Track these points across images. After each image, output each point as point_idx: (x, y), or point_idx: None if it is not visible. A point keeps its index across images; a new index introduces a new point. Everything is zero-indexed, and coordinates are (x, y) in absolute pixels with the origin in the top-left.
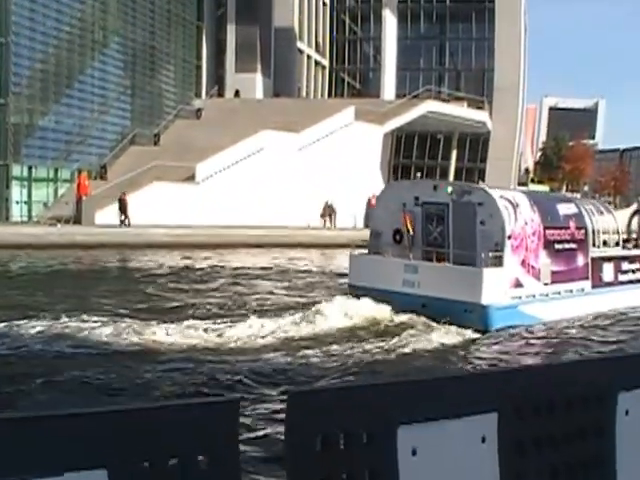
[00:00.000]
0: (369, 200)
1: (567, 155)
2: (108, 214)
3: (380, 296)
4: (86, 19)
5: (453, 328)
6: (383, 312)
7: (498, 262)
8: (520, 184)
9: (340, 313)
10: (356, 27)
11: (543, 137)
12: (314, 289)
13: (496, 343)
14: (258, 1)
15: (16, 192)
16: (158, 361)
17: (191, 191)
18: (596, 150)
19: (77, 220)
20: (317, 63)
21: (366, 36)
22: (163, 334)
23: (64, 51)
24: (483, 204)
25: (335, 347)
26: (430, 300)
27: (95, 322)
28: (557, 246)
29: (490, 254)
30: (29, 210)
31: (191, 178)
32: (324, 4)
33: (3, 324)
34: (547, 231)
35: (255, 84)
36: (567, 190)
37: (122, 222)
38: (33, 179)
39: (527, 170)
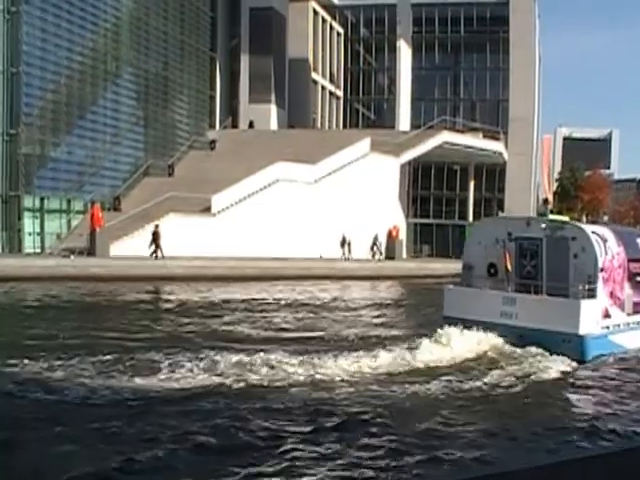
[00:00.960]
0: (390, 231)
1: (584, 185)
2: (123, 246)
3: (478, 327)
4: (98, 49)
5: (561, 357)
6: (494, 341)
7: (591, 294)
8: (539, 214)
9: (459, 343)
10: (370, 58)
11: (558, 167)
12: (406, 320)
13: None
14: (272, 32)
15: (28, 223)
16: (331, 391)
17: (207, 223)
18: (612, 180)
19: (91, 252)
20: (331, 94)
21: (380, 67)
22: (294, 367)
23: (76, 81)
24: (576, 238)
25: (472, 374)
26: (527, 331)
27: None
28: (638, 278)
29: (584, 286)
30: (42, 242)
31: (207, 210)
32: (338, 34)
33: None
34: (630, 264)
35: (269, 115)
36: (587, 221)
37: (154, 254)
38: (45, 210)
39: (545, 200)
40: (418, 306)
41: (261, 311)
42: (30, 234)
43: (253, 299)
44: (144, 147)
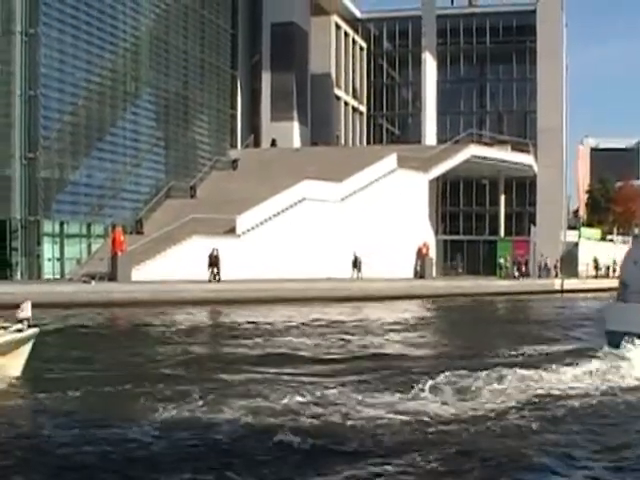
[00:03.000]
0: (419, 249)
1: (615, 197)
2: (145, 270)
3: None
4: (117, 70)
5: None
6: None
7: None
8: (570, 228)
9: None
10: (394, 71)
11: (586, 179)
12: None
13: None
14: (293, 48)
15: (48, 249)
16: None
17: (232, 244)
18: None
19: (112, 277)
20: (355, 109)
21: (404, 80)
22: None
23: (95, 103)
24: None
25: None
26: None
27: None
28: None
29: None
30: (62, 267)
31: (231, 231)
32: (361, 49)
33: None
34: None
35: (292, 133)
36: (618, 233)
37: (214, 278)
38: (65, 235)
39: (576, 213)
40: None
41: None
42: (50, 260)
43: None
44: (165, 168)
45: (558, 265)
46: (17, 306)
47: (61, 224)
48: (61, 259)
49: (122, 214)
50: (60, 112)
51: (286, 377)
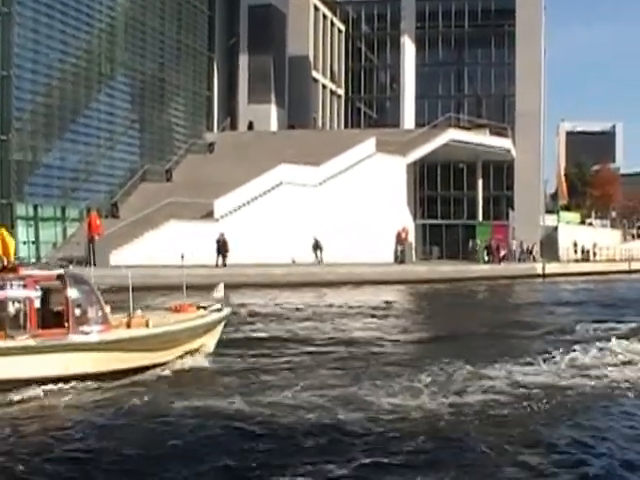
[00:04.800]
0: (399, 234)
1: (593, 180)
2: (123, 255)
3: None
4: (92, 51)
5: None
6: None
7: None
8: (548, 212)
9: None
10: (372, 55)
11: (562, 162)
12: None
13: None
14: (271, 30)
15: (22, 232)
16: None
17: (210, 228)
18: (619, 174)
19: (89, 261)
20: (332, 92)
21: (382, 64)
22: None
23: (69, 84)
24: None
25: None
26: None
27: None
28: None
29: None
30: (37, 251)
31: (209, 215)
32: (339, 31)
33: None
34: None
35: (269, 115)
36: (596, 217)
37: (223, 263)
38: (39, 218)
39: (553, 197)
40: None
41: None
42: (25, 243)
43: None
44: (140, 151)
45: (536, 249)
46: (211, 288)
47: (35, 207)
48: (36, 242)
49: (97, 197)
50: (33, 93)
51: None
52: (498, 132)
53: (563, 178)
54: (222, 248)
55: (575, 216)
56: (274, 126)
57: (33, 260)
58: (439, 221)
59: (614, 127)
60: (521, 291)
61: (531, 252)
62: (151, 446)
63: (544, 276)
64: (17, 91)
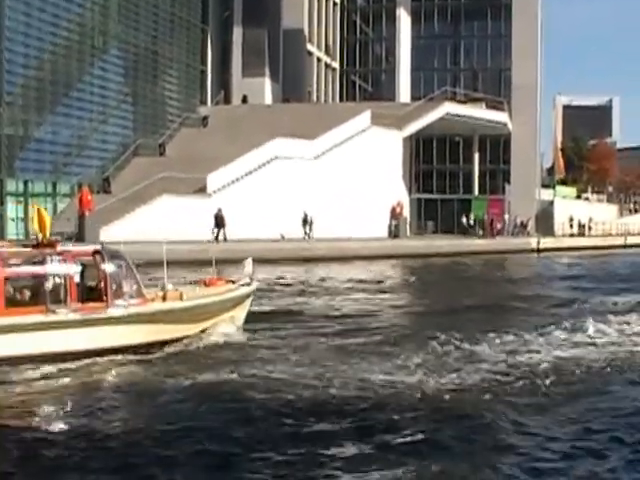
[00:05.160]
0: (393, 208)
1: (589, 155)
2: (114, 230)
3: None
4: (85, 23)
5: None
6: None
7: None
8: (544, 186)
9: None
10: (367, 28)
11: (559, 136)
12: None
13: None
14: (266, 3)
15: (11, 209)
16: None
17: (203, 204)
18: (616, 148)
19: (80, 237)
20: (327, 66)
21: (378, 37)
22: None
23: (61, 57)
24: None
25: None
26: None
27: None
28: None
29: None
30: (26, 228)
31: (202, 190)
32: (334, 4)
33: None
34: None
35: (263, 89)
36: (593, 191)
37: (221, 238)
38: (30, 194)
39: (550, 171)
40: None
41: None
42: (13, 220)
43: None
44: (133, 125)
45: (530, 223)
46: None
47: (25, 183)
48: (25, 219)
49: (89, 172)
50: (25, 67)
51: None
52: (494, 106)
53: (559, 152)
54: (220, 223)
55: (571, 190)
56: (268, 100)
57: (22, 237)
58: (434, 195)
59: (611, 101)
60: (514, 266)
61: (525, 226)
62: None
63: (539, 251)
64: (8, 64)
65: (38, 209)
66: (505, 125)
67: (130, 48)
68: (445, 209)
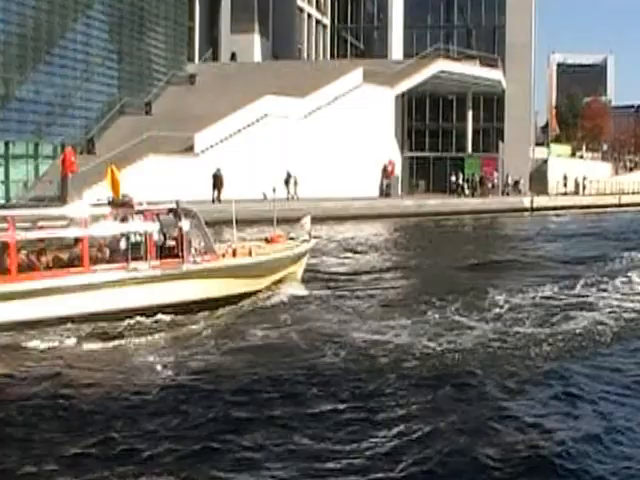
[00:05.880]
0: (385, 167)
1: (584, 113)
2: (98, 193)
3: None
4: None
5: None
6: None
7: None
8: (538, 144)
9: None
10: None
11: (553, 94)
12: None
13: None
14: None
15: None
16: None
17: (190, 163)
18: (610, 107)
19: (63, 200)
20: (318, 22)
21: None
22: None
23: (43, 13)
24: None
25: None
26: None
27: None
28: None
29: None
30: (6, 191)
31: (189, 149)
32: None
33: None
34: None
35: (253, 46)
36: (587, 149)
37: (218, 198)
38: (11, 156)
39: (544, 129)
40: None
41: None
42: None
43: None
44: (118, 83)
45: (522, 182)
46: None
47: (6, 144)
48: (6, 182)
49: (72, 133)
50: (5, 22)
51: None
52: (488, 63)
53: (554, 110)
54: (218, 183)
55: (566, 149)
56: (258, 57)
57: (2, 201)
58: (427, 154)
59: (606, 59)
60: (506, 225)
61: (517, 185)
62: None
63: (532, 210)
64: None
65: (111, 169)
66: (499, 83)
67: (115, 3)
68: (437, 168)
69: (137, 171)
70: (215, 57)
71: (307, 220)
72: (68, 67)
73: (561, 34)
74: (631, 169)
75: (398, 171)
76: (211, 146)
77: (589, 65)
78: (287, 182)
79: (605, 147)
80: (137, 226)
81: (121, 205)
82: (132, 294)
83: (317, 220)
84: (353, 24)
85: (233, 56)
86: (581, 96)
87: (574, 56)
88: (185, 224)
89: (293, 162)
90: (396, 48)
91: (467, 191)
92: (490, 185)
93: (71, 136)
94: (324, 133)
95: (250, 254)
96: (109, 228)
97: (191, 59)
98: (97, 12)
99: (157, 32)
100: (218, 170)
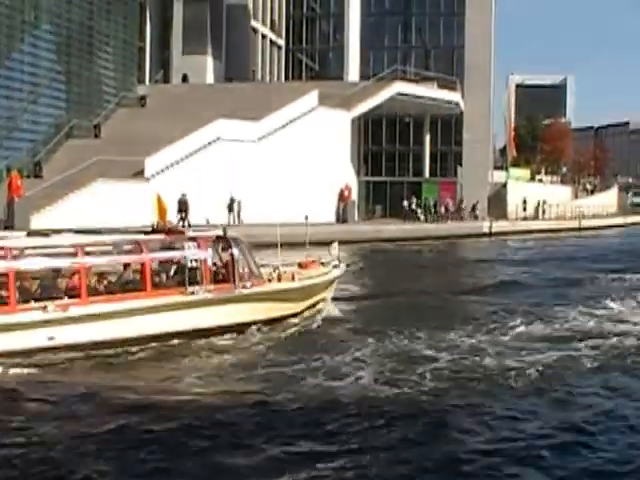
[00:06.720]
0: (341, 191)
1: (543, 135)
2: (45, 217)
3: None
4: None
5: None
6: None
7: None
8: (497, 168)
9: None
10: (315, 3)
11: (512, 116)
12: None
13: None
14: None
15: None
16: None
17: (140, 188)
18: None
19: (9, 225)
20: (272, 43)
21: (326, 13)
22: None
23: None
24: None
25: None
26: None
27: None
28: None
29: None
30: None
31: (139, 174)
32: None
33: None
34: None
35: (205, 67)
36: (547, 173)
37: (183, 224)
38: None
39: (502, 152)
40: None
41: None
42: None
43: None
44: (66, 105)
45: (479, 206)
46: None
47: None
48: None
49: (18, 156)
50: None
51: None
52: (446, 85)
53: (513, 133)
54: (183, 208)
55: (525, 172)
56: (210, 79)
57: None
58: (384, 178)
59: (565, 80)
60: (465, 251)
61: (474, 209)
62: None
63: (491, 235)
64: None
65: (157, 196)
66: (457, 105)
67: (63, 23)
68: (394, 192)
69: (86, 196)
70: (166, 79)
71: (335, 246)
72: (14, 88)
73: (520, 55)
74: (592, 192)
75: (355, 196)
76: (162, 170)
77: (548, 86)
78: (230, 207)
79: (565, 170)
80: (194, 253)
81: (174, 232)
82: (188, 317)
83: (265, 246)
84: (308, 45)
85: (185, 78)
86: (541, 117)
87: (533, 77)
88: (236, 251)
89: (245, 187)
90: (352, 69)
91: (421, 217)
92: (443, 209)
93: (17, 159)
94: (278, 157)
95: (293, 279)
96: (168, 255)
97: (142, 81)
98: (45, 32)
99: (107, 53)
100: (183, 195)
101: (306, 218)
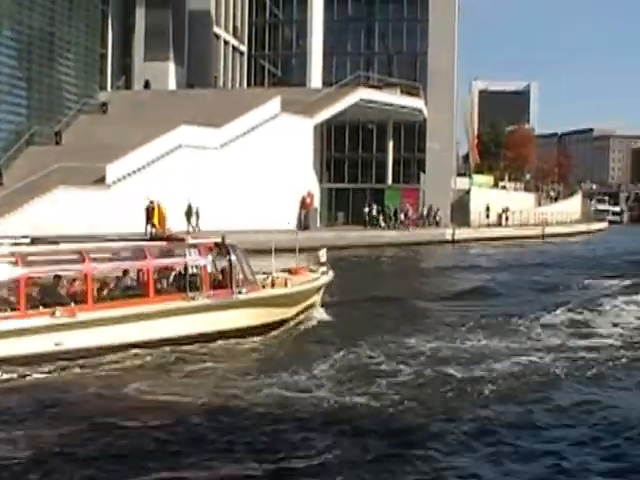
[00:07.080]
0: (303, 198)
1: (507, 141)
2: (6, 224)
3: None
4: None
5: None
6: None
7: None
8: (460, 175)
9: None
10: (277, 9)
11: (475, 123)
12: None
13: None
14: None
15: None
16: None
17: (101, 196)
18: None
19: None
20: (235, 49)
21: (288, 19)
22: None
23: None
24: None
25: None
26: None
27: None
28: None
29: None
30: None
31: (101, 181)
32: None
33: None
34: None
35: (167, 74)
36: (510, 179)
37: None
38: None
39: (465, 158)
40: None
41: None
42: None
43: None
44: (27, 112)
45: (440, 214)
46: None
47: None
48: None
49: None
50: None
51: None
52: (409, 91)
53: (476, 140)
54: (151, 217)
55: (488, 179)
56: (172, 85)
57: None
58: (346, 185)
59: (529, 86)
60: (426, 258)
61: (435, 217)
62: None
63: (454, 242)
64: None
65: (158, 205)
66: (420, 111)
67: (24, 29)
68: (357, 199)
69: (47, 203)
70: (128, 85)
71: (323, 252)
72: None
73: (483, 61)
74: (556, 199)
75: (317, 203)
76: (123, 177)
77: (512, 92)
78: (188, 214)
79: (528, 177)
80: (195, 259)
81: (173, 239)
82: (188, 322)
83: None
84: (271, 51)
85: (147, 84)
86: (504, 124)
87: (496, 83)
88: (234, 257)
89: (207, 193)
90: (315, 75)
91: (382, 223)
92: (403, 216)
93: None
94: (240, 164)
95: (286, 285)
96: (170, 261)
97: (103, 87)
98: (5, 38)
99: (68, 59)
100: (151, 202)
101: (288, 224)
